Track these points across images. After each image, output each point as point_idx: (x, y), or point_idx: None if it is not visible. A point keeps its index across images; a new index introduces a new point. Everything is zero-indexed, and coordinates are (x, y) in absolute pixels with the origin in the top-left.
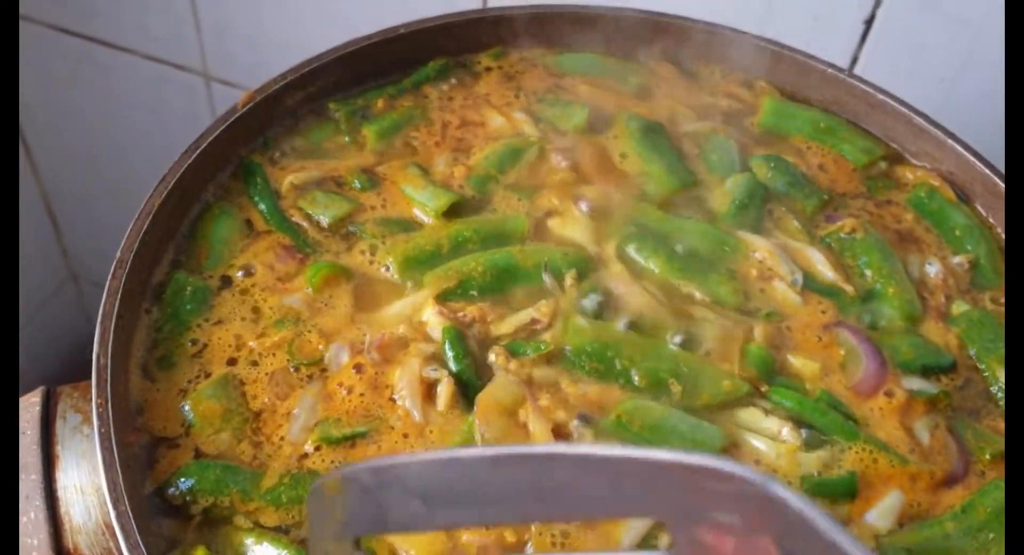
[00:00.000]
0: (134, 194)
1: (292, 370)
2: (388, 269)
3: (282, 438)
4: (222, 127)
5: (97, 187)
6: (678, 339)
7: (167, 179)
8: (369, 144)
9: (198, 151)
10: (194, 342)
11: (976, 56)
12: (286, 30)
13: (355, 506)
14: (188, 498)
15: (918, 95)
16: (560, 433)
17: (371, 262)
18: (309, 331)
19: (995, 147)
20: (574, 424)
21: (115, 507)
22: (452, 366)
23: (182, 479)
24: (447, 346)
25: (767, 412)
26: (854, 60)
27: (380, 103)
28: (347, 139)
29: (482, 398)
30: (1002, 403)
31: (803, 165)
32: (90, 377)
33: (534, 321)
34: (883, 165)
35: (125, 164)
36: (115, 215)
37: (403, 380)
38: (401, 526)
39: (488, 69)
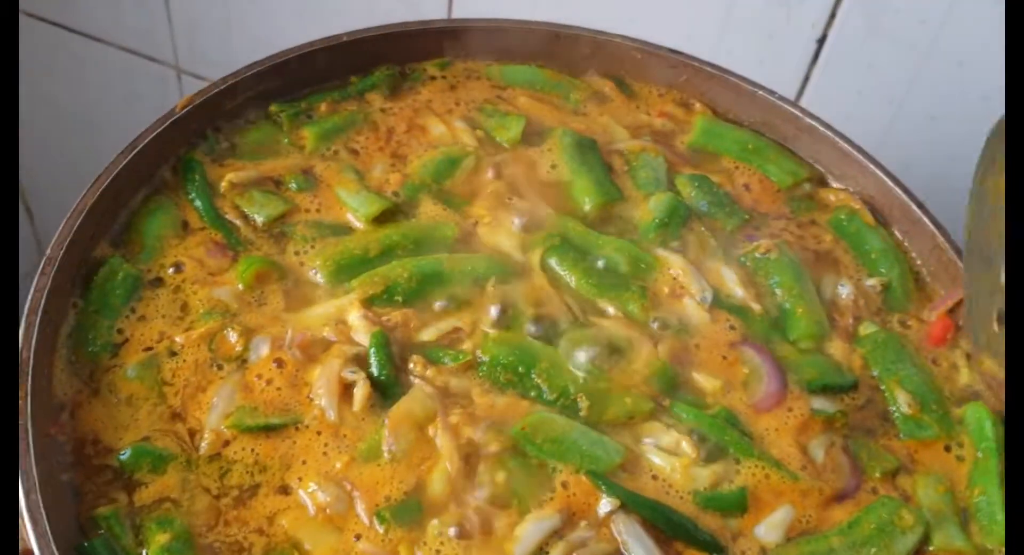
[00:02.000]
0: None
1: (212, 364)
2: (316, 272)
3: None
4: (160, 127)
5: (70, 176)
6: (592, 354)
7: (102, 178)
8: (308, 145)
9: (135, 151)
10: (120, 331)
11: (922, 79)
12: (257, 26)
13: None
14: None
15: (867, 115)
16: (466, 451)
17: (301, 264)
18: (234, 327)
19: (938, 168)
20: (481, 434)
21: (27, 496)
22: (374, 370)
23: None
24: (372, 351)
25: (668, 427)
26: (806, 78)
27: (323, 107)
28: (287, 141)
29: (395, 411)
30: (898, 423)
31: (729, 185)
32: None
33: (456, 330)
34: (807, 187)
35: (98, 154)
36: None
37: (322, 378)
38: None
39: (432, 78)
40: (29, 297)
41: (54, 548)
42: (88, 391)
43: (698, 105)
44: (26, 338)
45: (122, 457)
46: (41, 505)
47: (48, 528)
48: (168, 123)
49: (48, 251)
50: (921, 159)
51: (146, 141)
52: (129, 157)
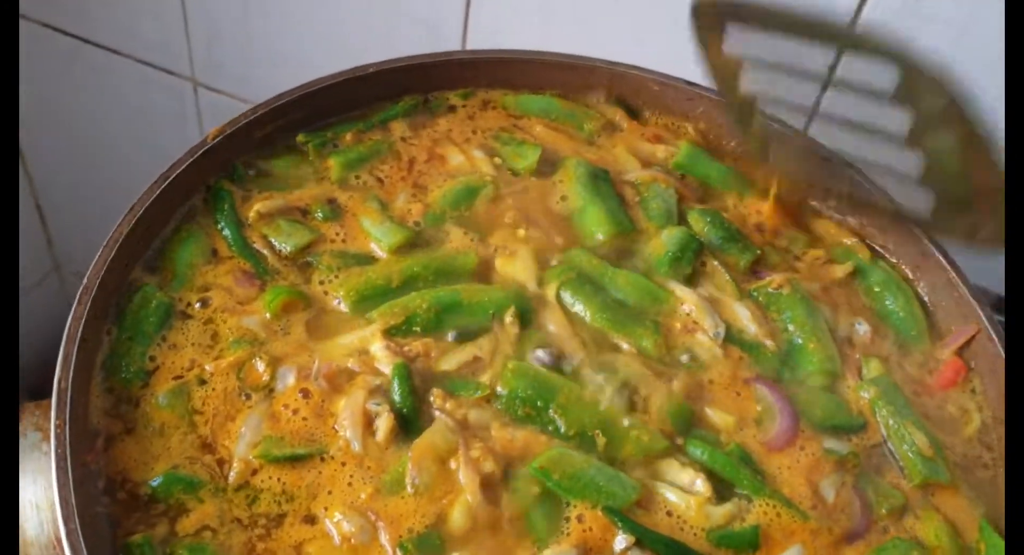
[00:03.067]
0: (120, 190)
1: (241, 393)
2: (340, 302)
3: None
4: (191, 158)
5: (85, 183)
6: (605, 390)
7: (135, 208)
8: (334, 175)
9: (167, 181)
10: (152, 358)
11: None
12: (273, 41)
13: None
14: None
15: None
16: (488, 483)
17: (325, 293)
18: (262, 356)
19: None
20: (501, 469)
21: (65, 524)
22: (397, 402)
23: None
24: (395, 382)
25: (683, 464)
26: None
27: (349, 137)
28: (312, 170)
29: (418, 444)
30: (911, 465)
31: (738, 220)
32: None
33: (476, 359)
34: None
35: (113, 162)
36: (102, 210)
37: (347, 410)
38: None
39: (452, 108)
40: (67, 326)
41: None
42: (121, 420)
43: (690, 129)
44: (64, 367)
45: (153, 484)
46: (80, 534)
47: None
48: (200, 153)
49: (85, 280)
50: None
51: (179, 171)
52: (163, 187)
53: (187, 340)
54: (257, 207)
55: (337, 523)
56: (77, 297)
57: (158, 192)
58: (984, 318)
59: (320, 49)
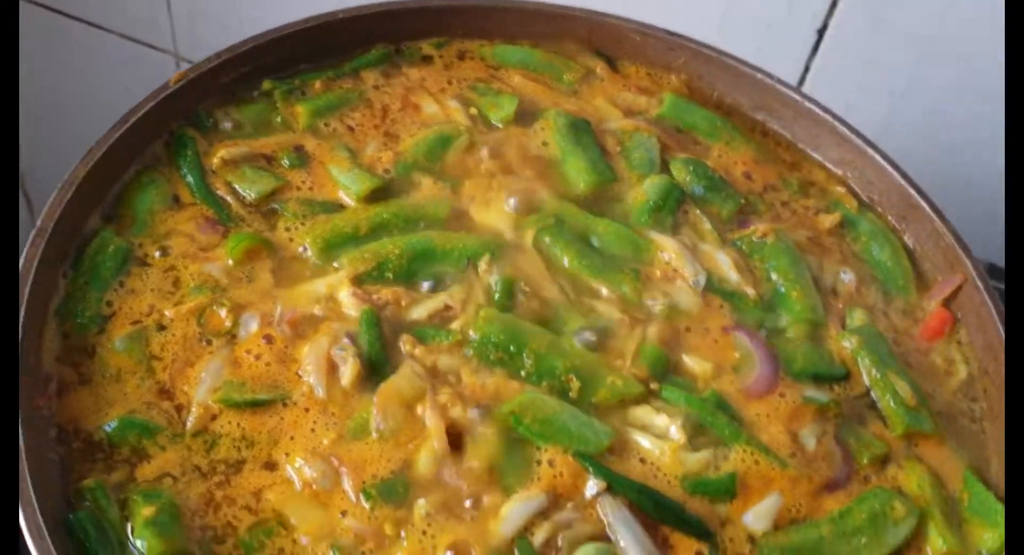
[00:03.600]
0: None
1: (201, 339)
2: (306, 249)
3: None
4: (153, 102)
5: (66, 157)
6: (584, 336)
7: (94, 151)
8: (302, 122)
9: (127, 125)
10: (109, 304)
11: (923, 73)
12: (255, 15)
13: None
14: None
15: (866, 107)
16: (454, 430)
17: (291, 240)
18: (223, 304)
19: (936, 163)
20: (471, 414)
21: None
22: (364, 348)
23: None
24: (363, 328)
25: (658, 410)
26: (806, 69)
27: (318, 84)
28: (280, 118)
29: (383, 388)
30: (894, 414)
31: (723, 170)
32: None
33: (447, 308)
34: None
35: (94, 137)
36: None
37: (310, 355)
38: None
39: (427, 57)
40: (19, 267)
41: (40, 520)
42: (75, 369)
43: (672, 79)
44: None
45: (108, 429)
46: (28, 476)
47: (35, 499)
48: (161, 98)
49: (39, 222)
50: (919, 151)
51: (139, 115)
52: (121, 131)
53: (146, 286)
54: (221, 153)
55: (298, 469)
56: (30, 239)
57: (117, 136)
58: (971, 267)
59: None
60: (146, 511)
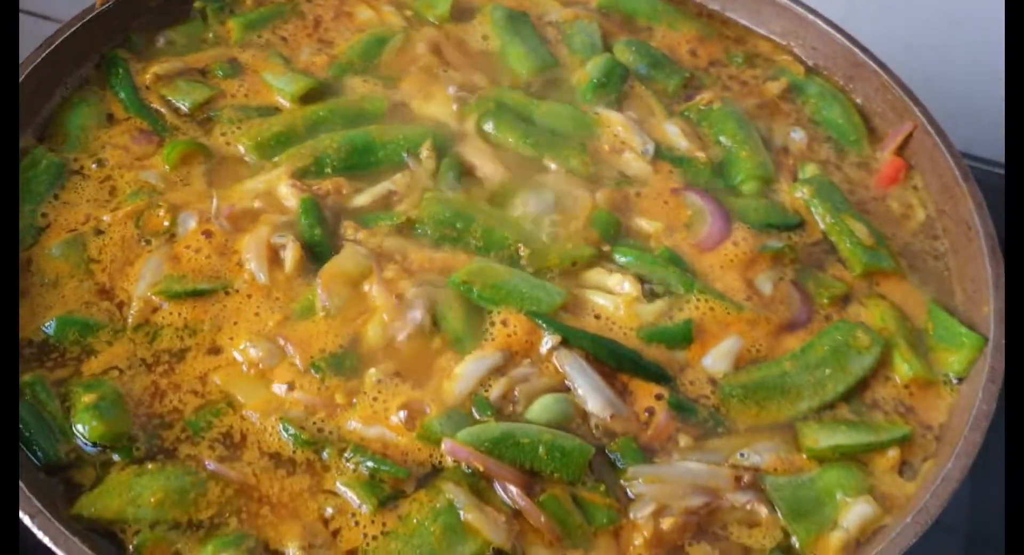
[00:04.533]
0: None
1: (140, 240)
2: (243, 150)
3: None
4: (77, 25)
5: None
6: (532, 206)
7: (19, 71)
8: (234, 37)
9: (51, 47)
10: (44, 215)
11: None
12: None
13: None
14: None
15: None
16: (404, 301)
17: (228, 144)
18: (160, 205)
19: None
20: (412, 291)
21: None
22: (304, 235)
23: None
24: (302, 215)
25: (611, 271)
26: None
27: (249, 1)
28: (212, 35)
29: (326, 269)
30: (853, 256)
31: (667, 49)
32: None
33: (391, 193)
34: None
35: None
36: None
37: (250, 245)
38: None
39: None
40: None
41: None
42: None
43: None
44: None
45: (47, 330)
46: None
47: None
48: (86, 20)
49: None
50: (863, 10)
51: (63, 37)
52: (45, 53)
53: (82, 197)
54: (154, 69)
55: (243, 350)
56: None
57: (41, 57)
58: (919, 114)
59: None
60: (87, 398)
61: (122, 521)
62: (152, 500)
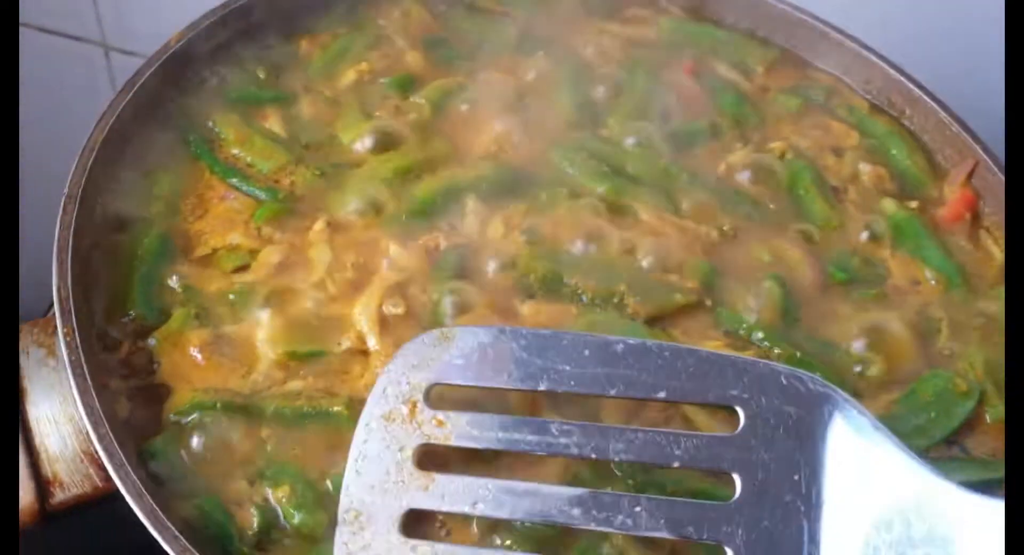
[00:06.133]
0: (33, 165)
1: None
2: None
3: None
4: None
5: None
6: None
7: (107, 116)
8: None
9: (133, 90)
10: None
11: None
12: None
13: None
14: None
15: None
16: None
17: None
18: None
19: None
20: None
21: (96, 431)
22: None
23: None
24: None
25: None
26: None
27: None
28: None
29: None
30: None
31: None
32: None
33: None
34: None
35: (25, 138)
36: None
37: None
38: None
39: None
40: (56, 236)
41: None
42: None
43: (675, 11)
44: (60, 275)
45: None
46: (112, 438)
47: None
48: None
49: (66, 189)
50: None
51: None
52: (129, 95)
53: None
54: None
55: None
56: (61, 206)
57: (126, 100)
58: (980, 152)
59: None
60: None
61: None
62: None
